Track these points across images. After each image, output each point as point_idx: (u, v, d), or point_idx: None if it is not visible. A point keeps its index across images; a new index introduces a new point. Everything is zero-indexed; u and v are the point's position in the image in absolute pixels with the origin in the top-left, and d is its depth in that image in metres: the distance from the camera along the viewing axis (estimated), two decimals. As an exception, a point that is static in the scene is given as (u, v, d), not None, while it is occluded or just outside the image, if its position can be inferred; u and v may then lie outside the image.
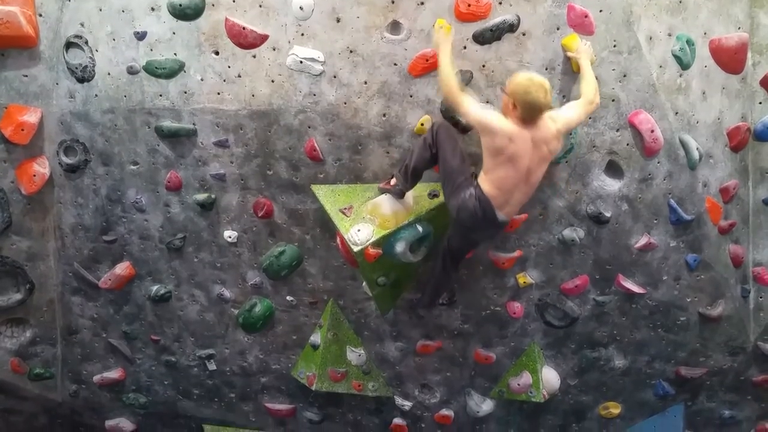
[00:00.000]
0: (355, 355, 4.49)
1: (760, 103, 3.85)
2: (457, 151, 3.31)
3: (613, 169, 3.72)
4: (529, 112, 3.01)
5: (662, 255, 3.94)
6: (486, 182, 3.17)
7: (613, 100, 3.53)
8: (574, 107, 3.22)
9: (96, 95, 3.95)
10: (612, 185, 3.73)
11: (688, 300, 4.09)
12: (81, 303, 4.68)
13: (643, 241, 3.86)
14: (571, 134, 3.54)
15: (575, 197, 3.77)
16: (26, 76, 3.90)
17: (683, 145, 3.65)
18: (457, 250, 3.68)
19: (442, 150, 3.32)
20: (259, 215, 4.09)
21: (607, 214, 3.77)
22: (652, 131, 3.54)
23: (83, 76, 3.90)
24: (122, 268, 4.45)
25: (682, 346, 4.32)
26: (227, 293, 4.45)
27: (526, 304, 4.17)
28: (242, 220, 4.17)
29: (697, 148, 3.66)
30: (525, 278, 4.06)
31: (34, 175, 4.05)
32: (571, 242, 3.88)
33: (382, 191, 3.66)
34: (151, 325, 4.70)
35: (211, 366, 4.80)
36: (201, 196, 4.10)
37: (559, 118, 3.14)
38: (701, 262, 3.98)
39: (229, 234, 4.21)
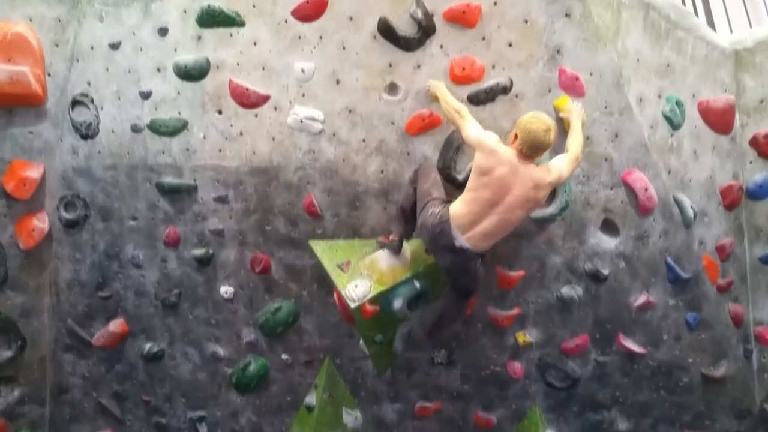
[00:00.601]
0: (351, 417, 4.35)
1: (751, 162, 3.93)
2: (430, 178, 3.41)
3: (609, 226, 3.74)
4: (527, 145, 3.09)
5: (662, 314, 3.90)
6: (459, 202, 3.21)
7: (606, 159, 3.60)
8: (564, 162, 3.24)
9: (99, 151, 4.03)
10: (608, 243, 3.74)
11: (690, 360, 4.02)
12: (73, 361, 4.58)
13: (642, 299, 3.83)
14: (565, 191, 3.59)
15: (572, 254, 3.77)
16: (31, 132, 3.99)
17: (677, 203, 3.69)
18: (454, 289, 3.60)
19: (420, 180, 3.43)
20: (257, 271, 4.08)
21: (605, 272, 3.76)
22: (646, 189, 3.59)
23: (87, 133, 4.00)
24: (116, 325, 4.39)
25: (687, 408, 4.20)
26: (221, 351, 4.36)
27: (527, 364, 4.08)
28: (239, 276, 4.16)
29: (692, 207, 3.70)
30: (524, 337, 4.00)
31: (33, 230, 4.07)
32: (570, 300, 3.85)
33: (382, 245, 3.67)
34: (142, 384, 4.58)
35: (203, 429, 4.64)
36: (199, 252, 4.10)
37: (553, 170, 3.18)
38: (701, 321, 3.93)
39: (226, 290, 4.18)
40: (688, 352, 4.00)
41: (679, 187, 3.74)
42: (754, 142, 3.88)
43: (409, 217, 3.53)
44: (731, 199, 3.87)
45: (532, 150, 3.11)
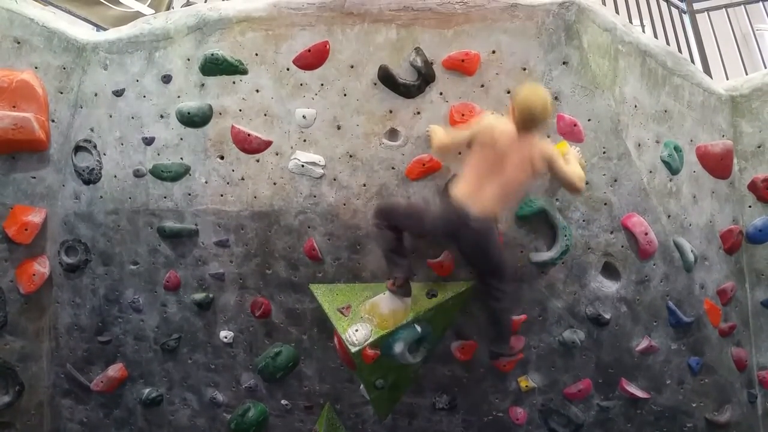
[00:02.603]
0: (351, 463, 4.29)
1: (750, 206, 3.93)
2: (401, 207, 3.58)
3: (610, 270, 3.74)
4: (523, 118, 3.16)
5: (664, 358, 3.85)
6: (460, 179, 3.29)
7: (605, 204, 3.61)
8: (564, 163, 3.30)
9: (101, 197, 4.05)
10: (609, 287, 3.73)
11: (694, 405, 3.96)
12: (71, 406, 4.51)
13: (644, 343, 3.80)
14: (566, 235, 3.60)
15: (573, 298, 3.76)
16: (34, 177, 4.00)
17: (678, 247, 3.69)
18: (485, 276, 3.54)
19: (395, 216, 3.46)
20: (257, 315, 4.06)
21: (607, 316, 3.74)
22: (646, 234, 3.60)
23: (90, 178, 4.01)
24: (115, 370, 4.34)
25: (692, 455, 4.14)
26: (220, 397, 4.30)
27: (529, 410, 4.02)
28: (239, 320, 4.13)
29: (692, 251, 3.70)
30: (527, 382, 3.95)
31: (34, 275, 4.05)
32: (572, 344, 3.81)
33: (392, 292, 3.60)
34: (141, 430, 4.50)
35: (201, 475, 4.56)
36: (199, 296, 4.08)
37: (550, 152, 3.26)
38: (704, 366, 3.88)
39: (225, 334, 4.15)
40: (692, 396, 3.94)
41: (679, 231, 3.74)
42: (752, 187, 3.89)
43: (401, 254, 3.52)
44: (731, 243, 3.87)
45: (530, 124, 3.19)
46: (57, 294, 4.26)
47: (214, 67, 3.74)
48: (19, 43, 3.84)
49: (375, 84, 3.64)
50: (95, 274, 4.20)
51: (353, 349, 3.53)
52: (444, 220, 3.28)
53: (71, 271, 4.17)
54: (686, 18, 4.86)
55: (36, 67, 3.90)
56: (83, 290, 4.24)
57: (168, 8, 5.11)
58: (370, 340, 3.56)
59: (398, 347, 3.61)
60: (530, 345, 3.89)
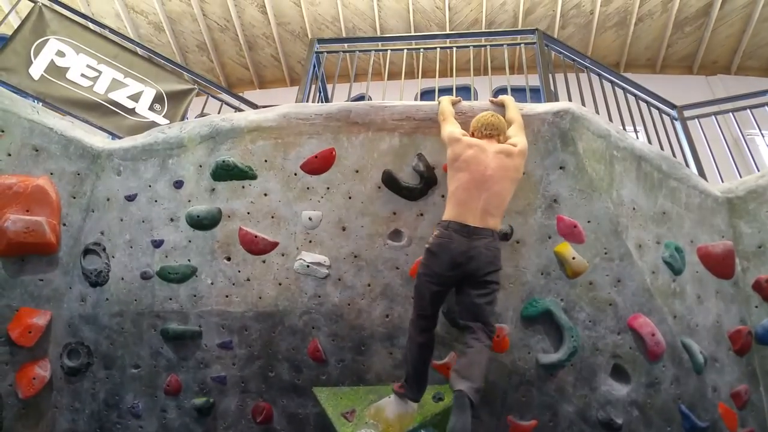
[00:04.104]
0: None
1: (756, 306, 3.92)
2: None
3: (619, 373, 3.67)
4: (482, 127, 3.42)
5: (682, 466, 3.72)
6: (448, 204, 3.27)
7: (610, 304, 3.61)
8: (519, 132, 3.48)
9: (107, 299, 4.05)
10: (620, 390, 3.65)
11: None
12: None
13: (659, 450, 3.68)
14: (573, 336, 3.57)
15: (584, 402, 3.67)
16: (42, 279, 4.02)
17: (686, 348, 3.64)
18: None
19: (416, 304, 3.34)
20: (258, 421, 3.94)
21: (619, 421, 3.63)
22: (653, 335, 3.57)
23: (97, 280, 4.04)
24: (110, 480, 4.18)
25: None
26: None
27: None
28: (240, 426, 4.00)
29: (701, 352, 3.65)
30: (539, 491, 3.78)
31: (34, 378, 3.97)
32: (585, 451, 3.69)
33: (398, 394, 3.52)
34: None
35: None
36: (199, 401, 3.98)
37: (518, 142, 3.36)
38: (725, 474, 3.74)
39: (226, 440, 4.02)
40: (714, 507, 3.76)
41: (686, 332, 3.71)
42: (757, 287, 3.90)
43: (424, 374, 3.38)
44: (741, 344, 3.82)
45: (489, 129, 3.42)
46: (56, 398, 4.15)
47: (225, 172, 3.88)
48: (37, 150, 4.00)
49: (379, 187, 3.76)
50: (96, 377, 4.12)
51: (358, 458, 3.42)
52: (449, 251, 3.15)
53: (72, 375, 4.10)
54: (678, 124, 5.07)
55: (51, 173, 4.03)
56: (83, 395, 4.14)
57: (183, 119, 5.34)
58: (376, 447, 3.45)
59: (405, 454, 3.49)
60: (542, 452, 3.76)
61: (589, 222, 3.61)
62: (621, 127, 4.06)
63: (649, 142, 4.60)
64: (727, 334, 3.84)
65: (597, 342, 3.63)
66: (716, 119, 5.01)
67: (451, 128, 3.47)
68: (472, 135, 3.45)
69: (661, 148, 4.61)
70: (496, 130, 3.42)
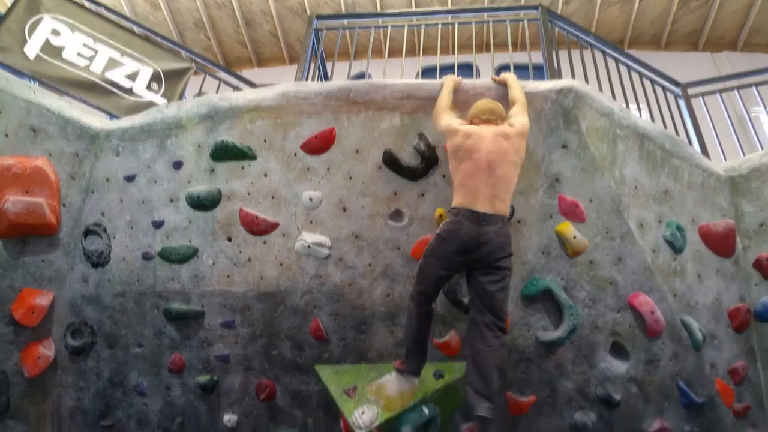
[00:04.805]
0: None
1: (756, 284, 3.94)
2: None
3: (619, 350, 3.70)
4: (481, 113, 3.38)
5: (678, 440, 3.77)
6: (455, 193, 3.25)
7: (611, 283, 3.63)
8: (521, 112, 3.42)
9: (109, 279, 4.07)
10: (619, 367, 3.69)
11: (712, 489, 3.84)
12: (72, 494, 4.39)
13: (656, 425, 3.71)
14: (572, 314, 3.59)
15: (583, 379, 3.71)
16: (43, 260, 4.03)
17: (685, 326, 3.67)
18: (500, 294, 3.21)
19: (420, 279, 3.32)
20: (261, 398, 4.00)
21: (617, 397, 3.67)
22: (653, 312, 3.59)
23: (98, 261, 4.06)
24: (117, 456, 4.25)
25: None
26: (223, 485, 4.18)
27: (543, 497, 3.90)
28: (243, 404, 4.06)
29: (700, 329, 3.68)
30: (538, 466, 3.85)
31: (39, 358, 4.02)
32: (584, 426, 3.73)
33: (399, 371, 3.56)
34: None
35: None
36: (203, 379, 4.04)
37: (516, 123, 3.32)
38: (721, 449, 3.80)
39: (229, 418, 4.07)
40: (709, 480, 3.83)
41: (685, 310, 3.73)
42: (757, 265, 3.91)
43: (423, 346, 3.42)
44: (740, 322, 3.85)
45: (487, 114, 3.37)
46: (61, 377, 4.21)
47: (224, 153, 3.86)
48: (35, 131, 3.97)
49: (380, 167, 3.73)
50: (100, 356, 4.17)
51: (360, 433, 3.47)
52: (459, 237, 3.13)
53: (76, 354, 4.14)
54: (682, 102, 5.01)
55: (50, 154, 4.01)
56: (88, 373, 4.20)
57: (180, 98, 5.29)
58: (377, 422, 3.49)
59: (406, 430, 3.53)
60: (541, 428, 3.80)
61: (590, 201, 3.60)
62: (624, 105, 4.02)
63: (653, 120, 4.55)
64: (727, 312, 3.86)
65: (596, 320, 3.65)
66: (721, 97, 4.95)
67: (447, 120, 3.41)
68: (471, 122, 3.40)
69: (665, 126, 4.58)
70: (494, 116, 3.36)
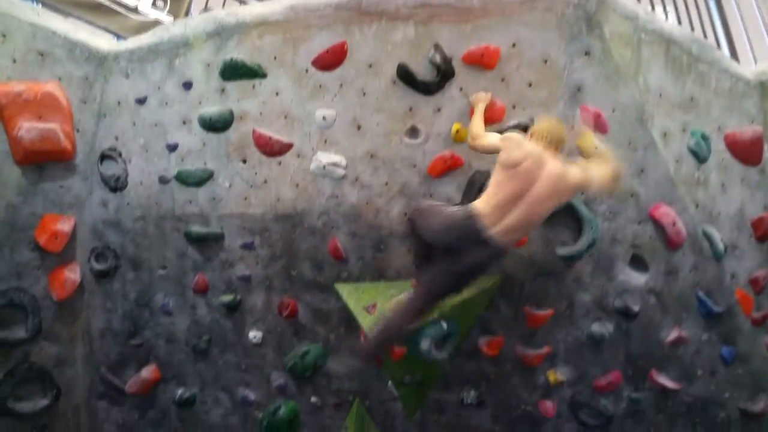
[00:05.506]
0: (382, 458, 4.33)
1: (782, 193, 3.86)
2: (431, 212, 3.30)
3: (638, 262, 3.70)
4: (548, 137, 3.11)
5: (695, 349, 3.82)
6: (484, 198, 3.11)
7: (632, 195, 3.56)
8: (599, 168, 3.15)
9: (128, 203, 4.11)
10: (638, 279, 3.69)
11: (727, 395, 3.92)
12: (106, 408, 4.62)
13: (674, 334, 3.76)
14: (592, 228, 3.56)
15: (601, 291, 3.73)
16: (62, 186, 4.07)
17: (707, 237, 3.63)
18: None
19: (421, 221, 3.30)
20: (284, 315, 4.10)
21: (635, 308, 3.70)
22: (674, 224, 3.54)
23: (116, 186, 4.08)
24: (148, 372, 4.44)
25: (726, 444, 4.10)
26: (251, 396, 4.37)
27: (559, 403, 4.01)
28: (267, 321, 4.18)
29: (722, 240, 3.64)
30: (555, 375, 3.94)
31: (66, 282, 4.14)
32: (601, 337, 3.79)
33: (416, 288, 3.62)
34: (175, 430, 4.60)
35: (235, 472, 4.65)
36: (227, 298, 4.14)
37: (581, 170, 3.12)
38: (737, 356, 3.84)
39: (254, 334, 4.21)
40: (725, 387, 3.90)
41: (707, 220, 3.68)
42: (784, 173, 3.81)
43: (429, 261, 3.45)
44: (763, 231, 3.79)
45: (556, 142, 3.12)
46: (89, 299, 4.35)
47: (234, 71, 3.75)
48: (42, 55, 3.89)
49: (394, 82, 3.61)
50: (125, 279, 4.28)
51: (380, 347, 3.55)
52: (459, 233, 3.11)
53: (102, 277, 4.26)
54: (712, 3, 4.73)
55: (59, 79, 3.94)
56: (114, 295, 4.33)
57: (186, 15, 5.12)
58: (397, 337, 3.57)
59: (425, 344, 3.61)
60: (558, 339, 3.88)
61: (613, 111, 3.47)
62: (650, 8, 3.80)
63: (679, 23, 4.32)
64: (750, 222, 3.80)
65: (616, 233, 3.63)
66: (754, -5, 4.67)
67: (493, 137, 3.20)
68: (531, 136, 3.15)
69: (692, 29, 4.36)
70: (561, 143, 3.15)
